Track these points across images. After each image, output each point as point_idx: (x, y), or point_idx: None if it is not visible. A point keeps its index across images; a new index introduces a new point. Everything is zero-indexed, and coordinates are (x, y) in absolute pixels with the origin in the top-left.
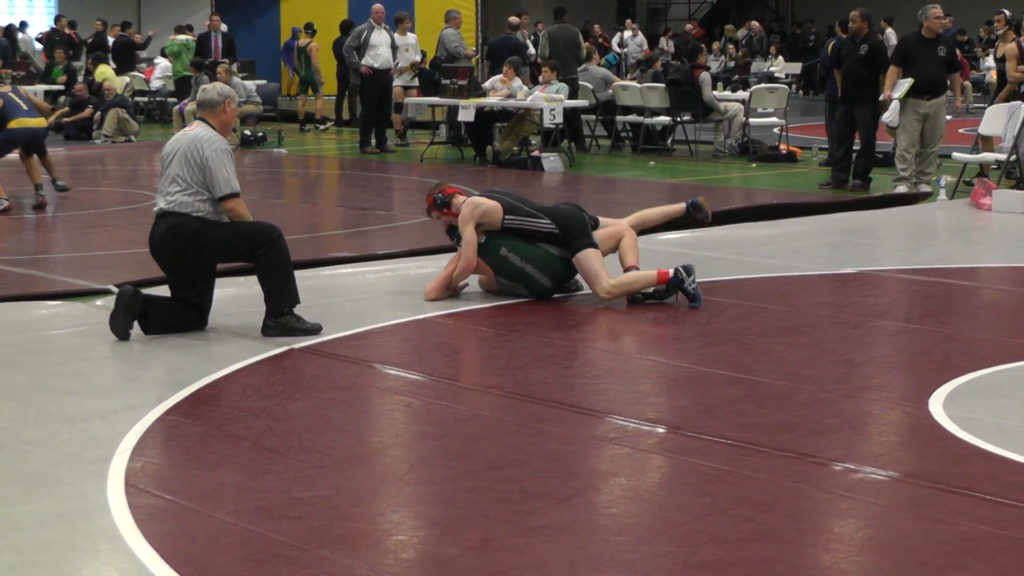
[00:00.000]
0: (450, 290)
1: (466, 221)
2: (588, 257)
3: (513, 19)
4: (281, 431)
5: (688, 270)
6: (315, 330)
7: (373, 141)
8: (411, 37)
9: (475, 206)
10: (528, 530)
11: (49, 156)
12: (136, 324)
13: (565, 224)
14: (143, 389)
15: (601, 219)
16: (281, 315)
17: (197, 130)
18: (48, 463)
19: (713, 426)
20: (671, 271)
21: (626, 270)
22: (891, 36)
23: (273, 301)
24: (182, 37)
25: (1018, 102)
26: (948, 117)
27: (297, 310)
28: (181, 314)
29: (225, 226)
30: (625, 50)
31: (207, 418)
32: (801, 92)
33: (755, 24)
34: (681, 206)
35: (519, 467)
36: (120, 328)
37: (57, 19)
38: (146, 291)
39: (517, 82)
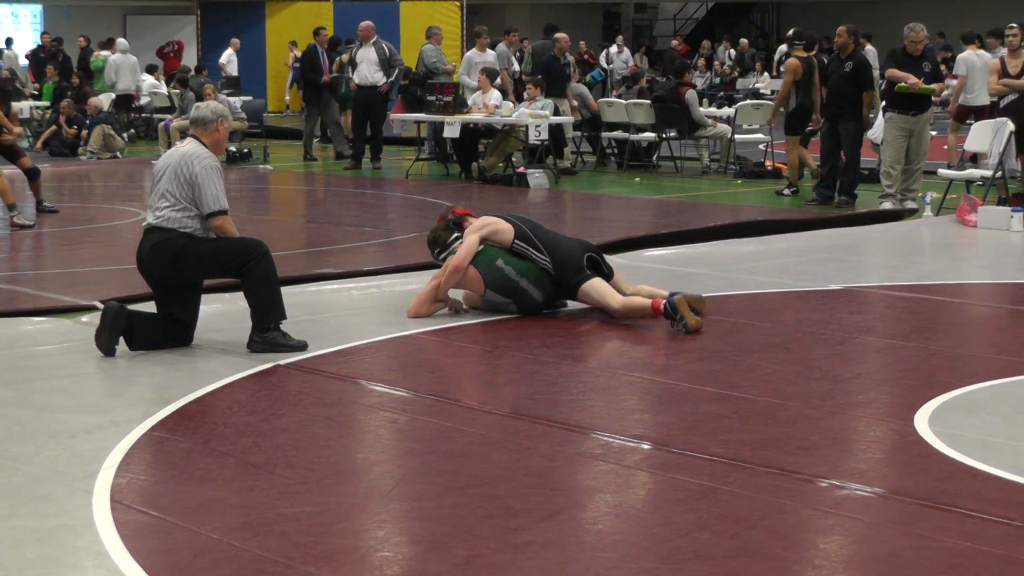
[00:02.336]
0: (436, 304)
1: (474, 231)
2: (589, 291)
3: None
4: (266, 447)
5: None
6: (301, 347)
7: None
8: (490, 55)
9: (487, 223)
10: (513, 546)
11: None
12: (121, 340)
13: (560, 267)
14: (129, 405)
15: (623, 283)
16: (267, 331)
17: (188, 147)
18: (33, 479)
19: (698, 442)
20: (663, 304)
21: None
22: (870, 54)
23: (259, 317)
24: (105, 53)
25: (1004, 119)
26: (932, 133)
27: (283, 326)
28: (167, 330)
29: (212, 242)
30: (611, 66)
31: (193, 434)
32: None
33: (744, 42)
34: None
35: (504, 483)
36: (105, 344)
37: (43, 35)
38: (132, 307)
39: (496, 94)
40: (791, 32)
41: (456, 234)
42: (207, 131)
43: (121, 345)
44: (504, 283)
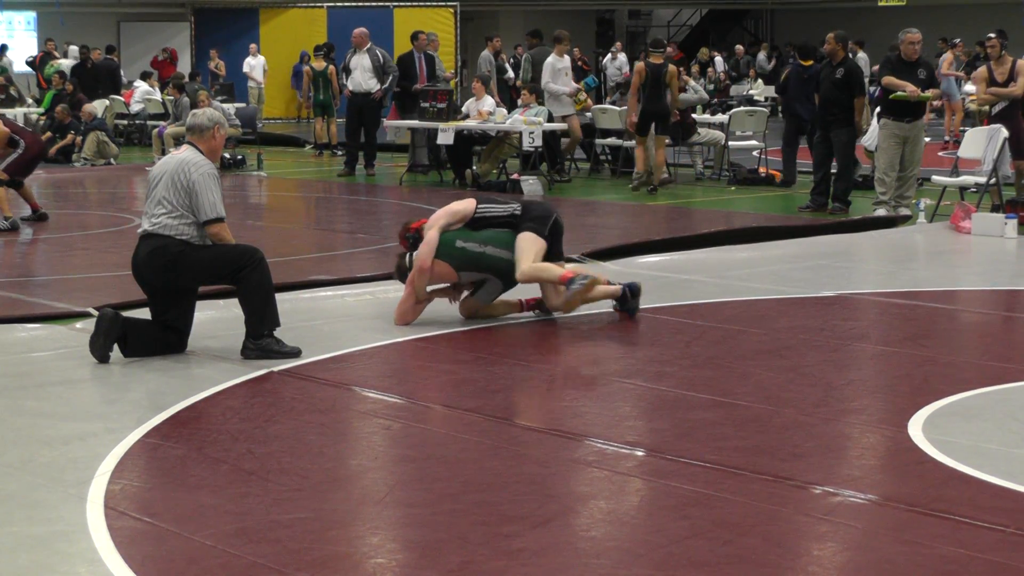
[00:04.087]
0: (419, 307)
1: (434, 223)
2: (522, 238)
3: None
4: (260, 454)
5: (633, 290)
6: (295, 353)
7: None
8: (567, 60)
9: (446, 210)
10: (507, 553)
11: None
12: (116, 347)
13: (527, 207)
14: (123, 411)
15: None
16: (261, 337)
17: (185, 154)
18: (27, 485)
19: (692, 449)
20: (574, 274)
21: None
22: (861, 60)
23: (254, 324)
24: (60, 61)
25: (997, 125)
26: (926, 139)
27: (277, 333)
28: (161, 337)
29: (207, 249)
30: (605, 72)
31: (187, 441)
32: (780, 115)
33: (739, 48)
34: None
35: (498, 490)
36: (100, 351)
37: (48, 42)
38: (126, 314)
39: (490, 101)
40: (651, 41)
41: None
42: (203, 138)
43: (115, 352)
44: (470, 259)
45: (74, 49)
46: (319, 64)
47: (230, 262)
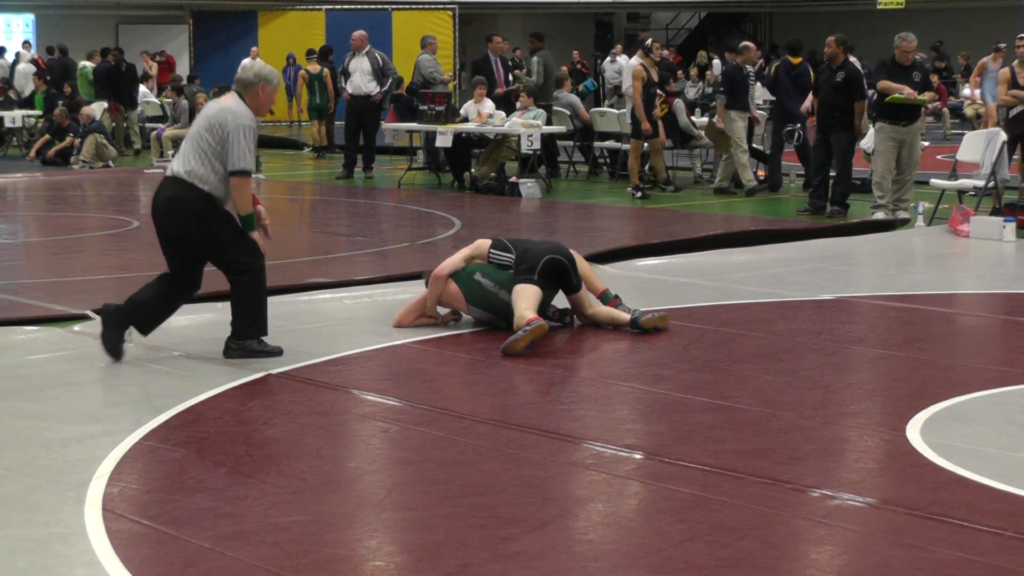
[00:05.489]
0: (421, 319)
1: (461, 250)
2: (516, 292)
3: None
4: (258, 456)
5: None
6: (277, 352)
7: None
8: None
9: (474, 243)
10: (505, 556)
11: None
12: (131, 335)
13: (521, 257)
14: (121, 414)
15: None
16: (244, 338)
17: (229, 101)
18: (25, 488)
19: (690, 452)
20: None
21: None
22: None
23: (243, 326)
24: (88, 64)
25: (996, 128)
26: (924, 143)
27: (275, 336)
28: (168, 308)
29: (225, 227)
30: (603, 75)
31: (185, 443)
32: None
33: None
34: (625, 318)
35: (496, 493)
36: (112, 345)
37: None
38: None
39: (489, 103)
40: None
41: None
42: (248, 93)
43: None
44: (483, 296)
45: (24, 52)
46: (314, 67)
47: (238, 253)
